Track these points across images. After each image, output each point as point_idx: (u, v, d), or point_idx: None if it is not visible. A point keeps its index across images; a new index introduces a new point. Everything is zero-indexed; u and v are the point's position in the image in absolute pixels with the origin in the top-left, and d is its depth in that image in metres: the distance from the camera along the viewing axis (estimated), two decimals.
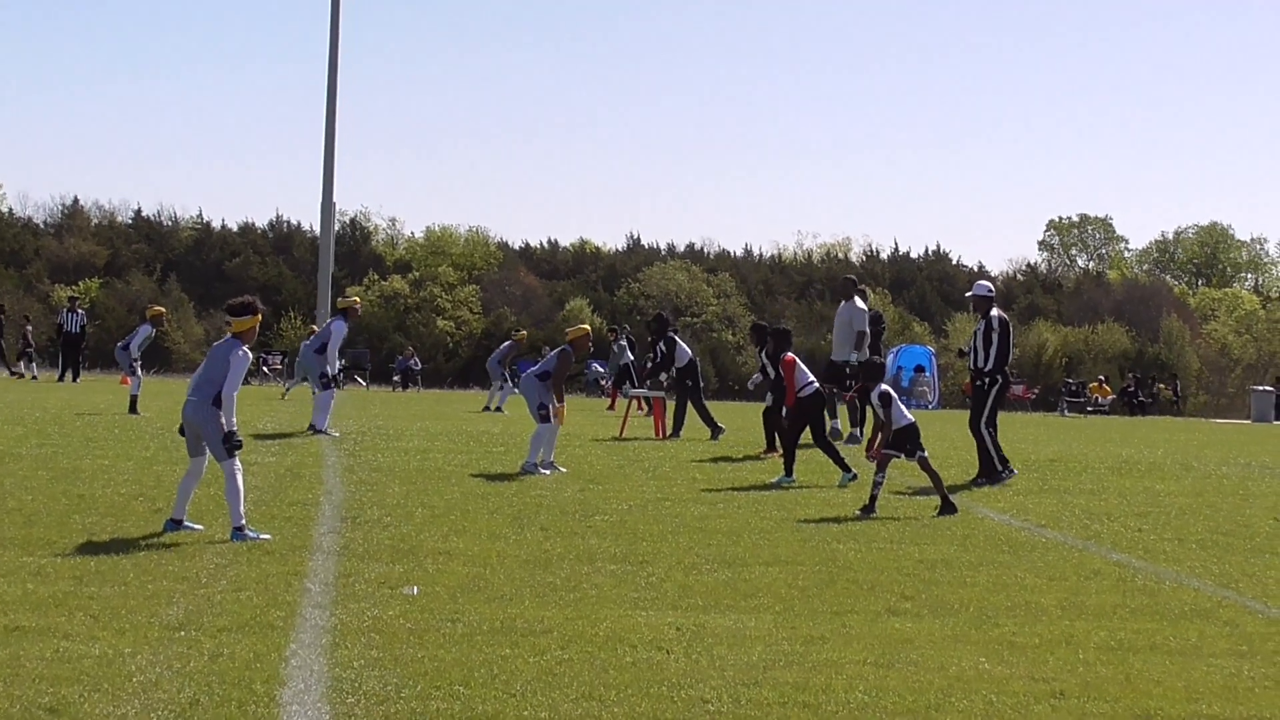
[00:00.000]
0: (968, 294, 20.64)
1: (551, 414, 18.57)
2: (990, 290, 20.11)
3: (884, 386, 16.21)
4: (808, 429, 18.82)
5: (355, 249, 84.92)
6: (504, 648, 8.83)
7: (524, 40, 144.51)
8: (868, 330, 24.45)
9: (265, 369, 57.82)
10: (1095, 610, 10.86)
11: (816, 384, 18.96)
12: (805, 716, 7.71)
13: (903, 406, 16.26)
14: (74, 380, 41.87)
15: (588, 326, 20.43)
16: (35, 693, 7.50)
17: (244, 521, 12.41)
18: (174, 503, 12.89)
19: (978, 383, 19.55)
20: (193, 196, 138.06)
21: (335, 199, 61.86)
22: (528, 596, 10.45)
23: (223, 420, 12.41)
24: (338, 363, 24.08)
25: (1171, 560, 13.45)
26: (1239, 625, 10.58)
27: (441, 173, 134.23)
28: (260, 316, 12.93)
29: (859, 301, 24.88)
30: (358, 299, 26.44)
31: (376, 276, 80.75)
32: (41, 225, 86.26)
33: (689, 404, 25.62)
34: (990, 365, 19.35)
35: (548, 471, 18.19)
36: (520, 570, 11.45)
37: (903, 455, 15.86)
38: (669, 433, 25.33)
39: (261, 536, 12.41)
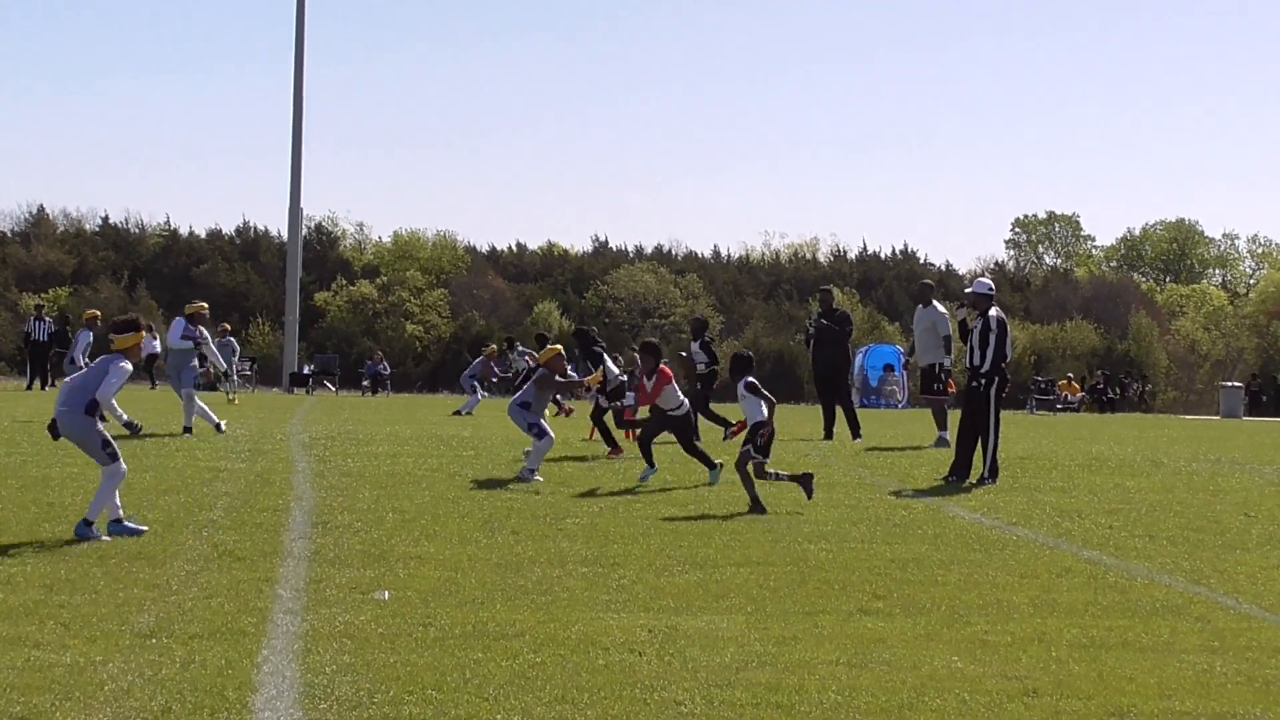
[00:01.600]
0: (967, 290, 20.62)
1: (546, 428, 18.69)
2: (991, 289, 20.09)
3: (750, 379, 16.34)
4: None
5: (323, 254, 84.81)
6: (476, 651, 8.82)
7: (490, 43, 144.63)
8: (952, 333, 24.36)
9: (236, 375, 57.64)
10: (1067, 608, 10.89)
11: (687, 405, 18.88)
12: (778, 717, 7.71)
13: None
14: (43, 388, 41.71)
15: (559, 347, 20.81)
16: (6, 701, 7.46)
17: (120, 514, 12.76)
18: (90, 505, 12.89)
19: (973, 383, 19.51)
20: (160, 203, 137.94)
21: (303, 204, 61.97)
22: (499, 600, 10.43)
23: (111, 417, 12.56)
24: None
25: (1143, 557, 13.49)
26: (1211, 621, 10.62)
27: (408, 177, 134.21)
28: (143, 334, 13.05)
29: (938, 306, 25.04)
30: (205, 305, 26.20)
31: (345, 281, 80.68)
32: (8, 234, 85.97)
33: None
34: (988, 365, 19.33)
35: (541, 479, 18.19)
36: (492, 574, 11.44)
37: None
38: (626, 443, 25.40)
39: (140, 528, 12.74)
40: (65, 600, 9.93)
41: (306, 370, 57.19)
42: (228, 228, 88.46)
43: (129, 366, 12.71)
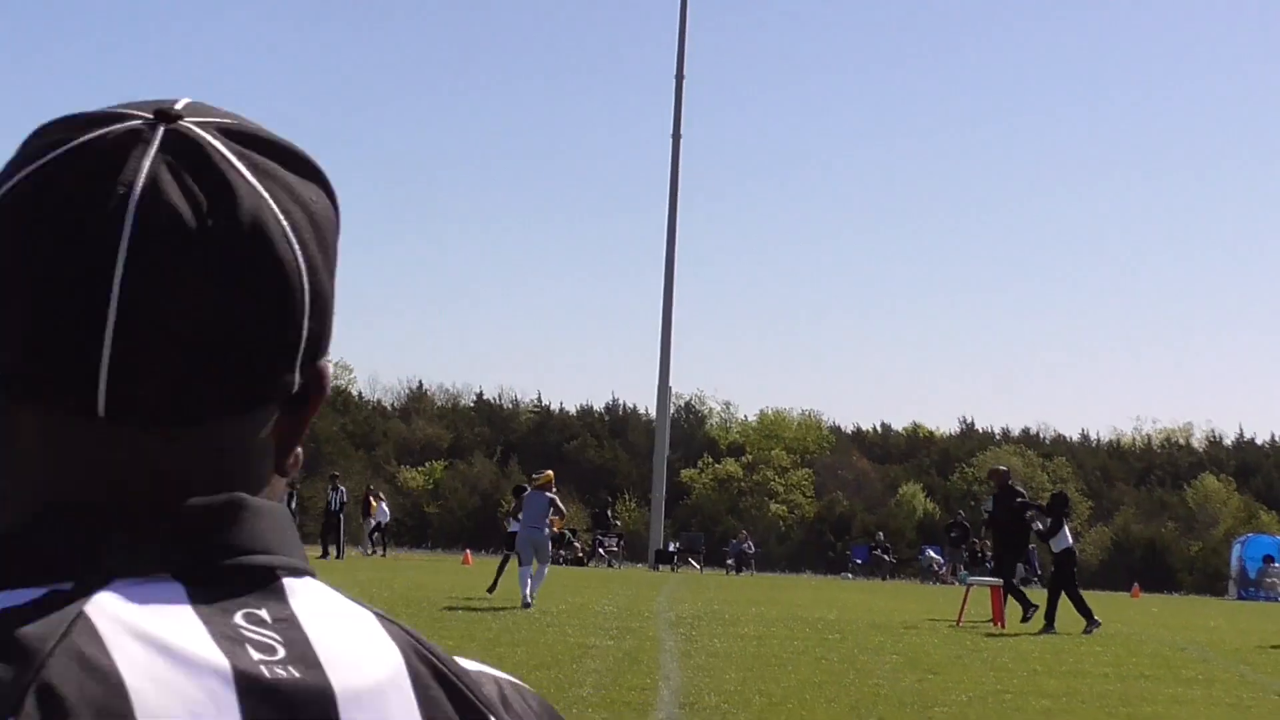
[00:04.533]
0: None
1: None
2: None
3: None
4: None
5: (690, 432, 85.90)
6: None
7: (857, 220, 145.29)
8: None
9: (601, 550, 58.68)
10: None
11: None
12: None
13: None
14: (338, 557, 43.10)
15: (550, 472, 24.88)
16: None
17: None
18: None
19: None
20: (532, 379, 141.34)
21: (671, 382, 63.11)
22: None
23: None
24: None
25: None
26: None
27: (774, 356, 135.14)
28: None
29: None
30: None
31: (710, 459, 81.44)
32: (389, 408, 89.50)
33: (1062, 592, 25.01)
34: None
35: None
36: None
37: None
38: (1005, 622, 24.95)
39: None
40: None
41: (672, 547, 57.77)
42: (598, 405, 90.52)
43: None
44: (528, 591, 23.66)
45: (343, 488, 46.38)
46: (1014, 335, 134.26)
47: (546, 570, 24.46)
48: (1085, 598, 25.56)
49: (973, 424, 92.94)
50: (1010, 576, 26.29)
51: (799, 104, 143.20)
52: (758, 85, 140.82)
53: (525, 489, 26.22)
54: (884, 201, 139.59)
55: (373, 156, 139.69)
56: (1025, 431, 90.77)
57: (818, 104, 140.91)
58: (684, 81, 64.10)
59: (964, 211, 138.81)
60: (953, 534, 55.82)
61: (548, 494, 24.41)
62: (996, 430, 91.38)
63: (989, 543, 27.20)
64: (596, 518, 73.84)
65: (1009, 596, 25.35)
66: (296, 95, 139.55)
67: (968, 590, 28.02)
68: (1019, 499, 26.01)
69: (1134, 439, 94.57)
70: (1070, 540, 25.60)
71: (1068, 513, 26.00)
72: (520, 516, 25.13)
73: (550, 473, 25.69)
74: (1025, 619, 24.82)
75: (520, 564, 24.37)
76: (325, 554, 41.52)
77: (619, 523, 71.80)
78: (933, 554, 57.94)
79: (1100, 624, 24.40)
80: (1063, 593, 24.78)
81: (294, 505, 45.05)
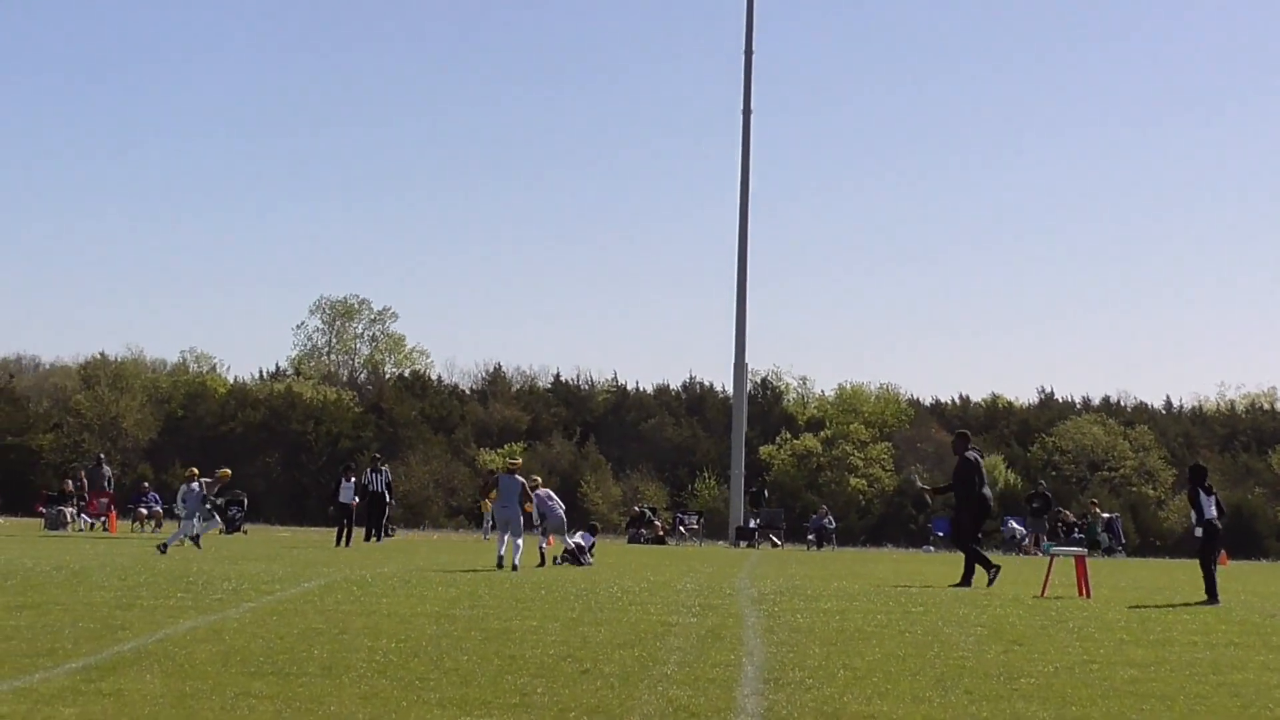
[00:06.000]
0: None
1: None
2: None
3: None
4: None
5: (767, 408, 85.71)
6: None
7: (925, 192, 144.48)
8: None
9: (681, 528, 58.75)
10: None
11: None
12: None
13: None
14: (378, 540, 43.52)
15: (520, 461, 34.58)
16: None
17: None
18: None
19: None
20: (609, 360, 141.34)
21: (747, 359, 62.98)
22: None
23: None
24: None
25: None
26: None
27: (850, 329, 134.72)
28: None
29: None
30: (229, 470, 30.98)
31: (789, 435, 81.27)
32: (467, 391, 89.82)
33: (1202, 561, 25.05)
34: None
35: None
36: None
37: None
38: (1090, 593, 24.91)
39: None
40: None
41: (752, 524, 57.76)
42: (675, 384, 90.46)
43: None
44: (504, 554, 29.47)
45: (384, 468, 45.64)
46: (1094, 303, 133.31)
47: (520, 541, 29.77)
48: (1180, 568, 25.59)
49: (1052, 394, 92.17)
50: (965, 539, 28.01)
51: (869, 77, 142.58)
52: (830, 57, 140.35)
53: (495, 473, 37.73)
54: (957, 170, 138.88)
55: (446, 137, 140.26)
56: (1106, 400, 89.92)
57: (886, 77, 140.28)
58: (753, 56, 63.84)
59: (1039, 177, 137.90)
60: (1034, 504, 55.51)
61: (519, 478, 30.66)
62: (1077, 399, 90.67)
63: (1068, 513, 27.41)
64: (675, 496, 74.04)
65: (976, 563, 27.24)
66: (388, 72, 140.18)
67: (1051, 561, 27.83)
68: (968, 461, 27.91)
69: (1218, 405, 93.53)
70: (1213, 511, 25.39)
71: (1205, 484, 25.76)
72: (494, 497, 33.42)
73: (520, 462, 36.79)
74: (990, 582, 26.66)
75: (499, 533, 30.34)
76: (339, 541, 40.87)
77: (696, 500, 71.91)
78: (1015, 525, 57.60)
79: (1219, 602, 24.36)
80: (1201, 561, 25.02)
81: (387, 485, 44.98)
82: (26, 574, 23.96)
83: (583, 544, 33.26)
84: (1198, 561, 25.27)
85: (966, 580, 27.12)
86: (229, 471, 40.27)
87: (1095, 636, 18.13)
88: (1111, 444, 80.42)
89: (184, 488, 38.24)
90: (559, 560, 32.36)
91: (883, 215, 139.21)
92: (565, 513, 33.87)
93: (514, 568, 28.72)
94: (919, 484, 29.44)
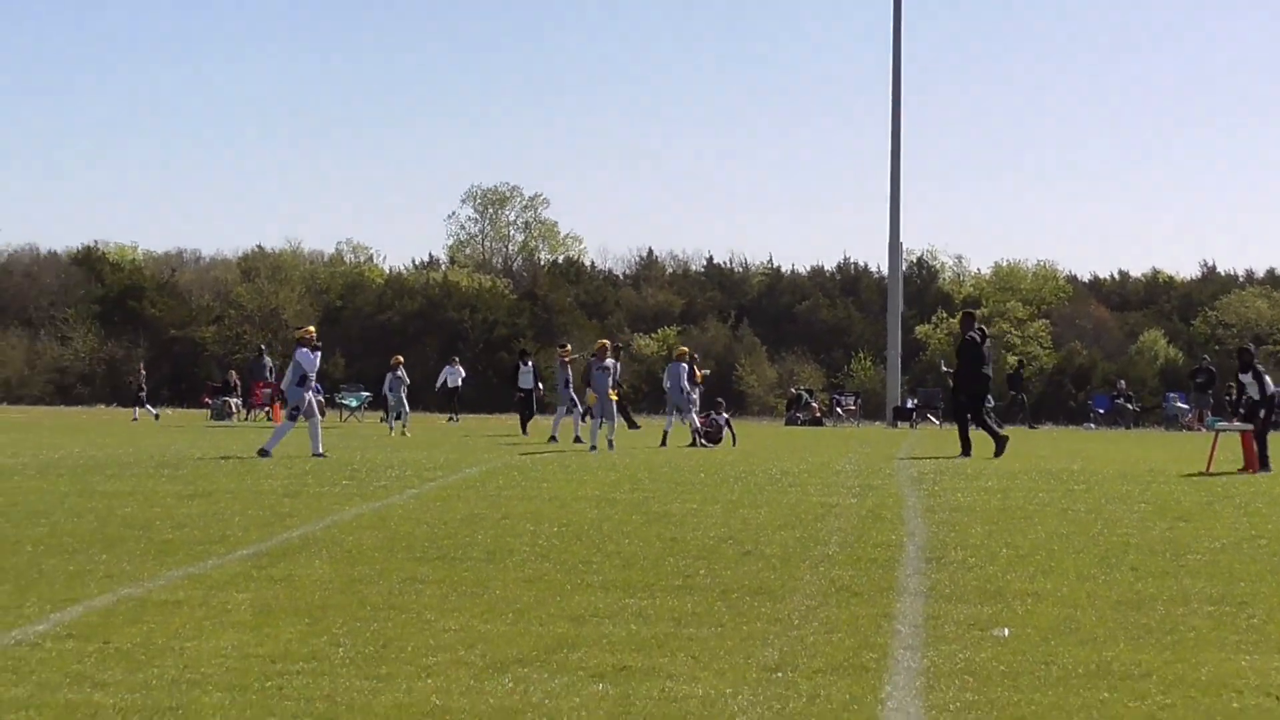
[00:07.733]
0: None
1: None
2: None
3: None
4: None
5: (922, 288, 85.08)
6: (1102, 691, 8.62)
7: (1084, 59, 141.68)
8: None
9: (839, 409, 58.62)
10: None
11: None
12: None
13: None
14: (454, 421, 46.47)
15: (605, 340, 33.51)
16: None
17: None
18: None
19: None
20: (763, 243, 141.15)
21: (902, 239, 62.47)
22: (1122, 639, 10.17)
23: None
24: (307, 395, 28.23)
25: None
26: None
27: (1007, 207, 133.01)
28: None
29: None
30: (311, 328, 30.50)
31: (945, 315, 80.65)
32: (621, 277, 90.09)
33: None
34: None
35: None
36: (1112, 612, 11.16)
37: None
38: (1257, 468, 24.56)
39: None
40: (693, 633, 10.26)
41: (910, 404, 57.53)
42: (829, 265, 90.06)
43: None
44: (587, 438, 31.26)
45: (532, 362, 44.33)
46: (1256, 172, 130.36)
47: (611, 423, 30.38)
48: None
49: (1214, 267, 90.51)
50: (969, 414, 29.30)
51: None
52: None
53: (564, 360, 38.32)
54: (1112, 41, 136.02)
55: (594, 27, 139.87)
56: (1271, 272, 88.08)
57: None
58: None
59: (1193, 50, 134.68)
60: (1198, 379, 54.59)
61: (607, 361, 31.10)
62: (1240, 272, 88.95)
63: (1231, 386, 27.37)
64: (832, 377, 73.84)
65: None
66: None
67: (1216, 436, 27.45)
68: (968, 341, 29.07)
69: None
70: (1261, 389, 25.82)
71: (1250, 364, 26.34)
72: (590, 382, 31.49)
73: (605, 341, 33.75)
74: (996, 454, 27.93)
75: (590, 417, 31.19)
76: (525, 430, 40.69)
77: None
78: (1178, 401, 56.79)
79: (1271, 471, 24.98)
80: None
81: (531, 370, 43.55)
82: (196, 464, 24.51)
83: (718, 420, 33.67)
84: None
85: (965, 450, 28.53)
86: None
87: (1263, 511, 17.90)
88: (1276, 317, 78.85)
89: (389, 376, 39.85)
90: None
91: (1036, 88, 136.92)
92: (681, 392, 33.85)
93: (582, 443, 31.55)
94: (944, 367, 30.23)
